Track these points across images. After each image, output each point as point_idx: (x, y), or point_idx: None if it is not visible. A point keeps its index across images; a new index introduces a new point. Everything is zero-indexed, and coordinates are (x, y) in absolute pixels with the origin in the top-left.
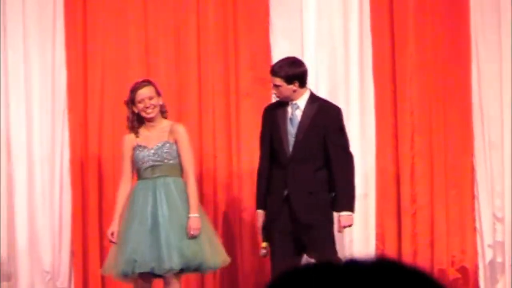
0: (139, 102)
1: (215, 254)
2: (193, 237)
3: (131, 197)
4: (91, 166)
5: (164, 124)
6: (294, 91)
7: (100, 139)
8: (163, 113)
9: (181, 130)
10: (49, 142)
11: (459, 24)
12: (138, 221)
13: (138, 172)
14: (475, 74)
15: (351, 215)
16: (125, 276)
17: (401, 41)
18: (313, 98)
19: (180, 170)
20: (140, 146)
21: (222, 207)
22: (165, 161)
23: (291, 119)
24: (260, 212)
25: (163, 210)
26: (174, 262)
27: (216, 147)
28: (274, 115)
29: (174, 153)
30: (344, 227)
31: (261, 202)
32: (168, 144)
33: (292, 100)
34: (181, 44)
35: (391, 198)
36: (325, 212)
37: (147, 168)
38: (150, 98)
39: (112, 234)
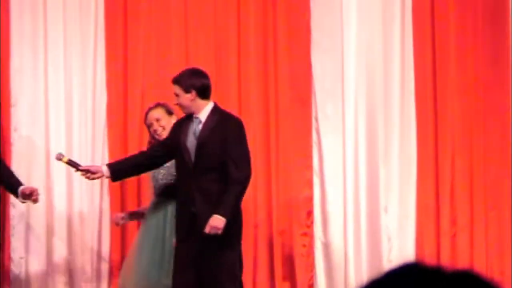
0: (149, 126)
1: None
2: None
3: (147, 215)
4: (130, 183)
5: None
6: (192, 100)
7: None
8: None
9: None
10: (88, 158)
11: (500, 45)
12: (144, 236)
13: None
14: None
15: (222, 220)
16: None
17: (443, 62)
18: (215, 110)
19: None
20: None
21: (262, 232)
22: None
23: (194, 133)
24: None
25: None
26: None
27: (257, 167)
28: (179, 128)
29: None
30: (212, 227)
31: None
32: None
33: (193, 112)
34: (221, 63)
35: (431, 219)
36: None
37: (160, 186)
38: (157, 120)
39: None
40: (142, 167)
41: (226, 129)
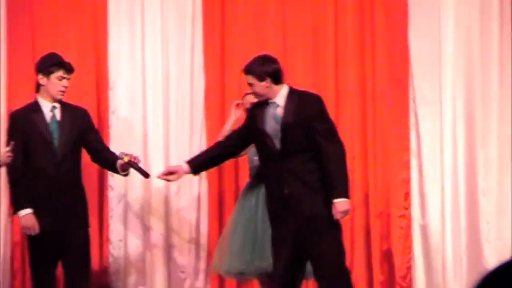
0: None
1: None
2: None
3: (241, 196)
4: (227, 169)
5: None
6: (267, 87)
7: None
8: None
9: None
10: (186, 141)
11: None
12: (241, 221)
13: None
14: None
15: (346, 201)
16: (232, 275)
17: None
18: (292, 92)
19: None
20: (253, 146)
21: (358, 210)
22: None
23: (273, 117)
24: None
25: (261, 213)
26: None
27: (354, 148)
28: (254, 114)
29: None
30: (341, 212)
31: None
32: None
33: (269, 98)
34: (318, 45)
35: None
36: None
37: (253, 167)
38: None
39: None
40: (220, 157)
41: (309, 108)
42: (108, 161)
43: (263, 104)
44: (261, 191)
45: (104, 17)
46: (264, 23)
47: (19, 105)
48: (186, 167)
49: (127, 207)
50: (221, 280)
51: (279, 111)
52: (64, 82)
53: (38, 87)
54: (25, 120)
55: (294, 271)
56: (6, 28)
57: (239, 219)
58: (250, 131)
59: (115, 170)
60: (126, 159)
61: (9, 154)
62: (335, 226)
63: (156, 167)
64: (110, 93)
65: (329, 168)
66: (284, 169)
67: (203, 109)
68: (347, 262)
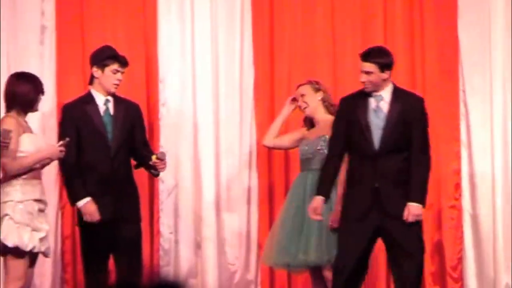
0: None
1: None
2: (332, 229)
3: (291, 188)
4: (276, 162)
5: (326, 118)
6: (384, 80)
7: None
8: (327, 107)
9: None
10: (236, 133)
11: None
12: (289, 214)
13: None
14: None
15: (420, 207)
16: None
17: None
18: (397, 90)
19: None
20: (304, 139)
21: None
22: (318, 154)
23: (375, 111)
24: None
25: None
26: (312, 257)
27: None
28: (352, 105)
29: (315, 147)
30: (413, 215)
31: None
32: (324, 138)
33: (377, 91)
34: (367, 37)
35: None
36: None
37: (302, 160)
38: (302, 96)
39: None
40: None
41: (413, 109)
42: (143, 159)
43: (359, 96)
44: (309, 184)
45: (153, 10)
46: (313, 15)
47: (69, 98)
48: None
49: (177, 200)
50: (271, 273)
51: (383, 105)
52: (118, 75)
53: (91, 79)
54: (79, 112)
55: (363, 265)
56: (56, 21)
57: (287, 212)
58: (348, 121)
59: (148, 168)
60: (154, 157)
61: (62, 149)
62: (418, 224)
63: (206, 159)
64: (160, 85)
65: (414, 173)
66: (377, 166)
67: (253, 101)
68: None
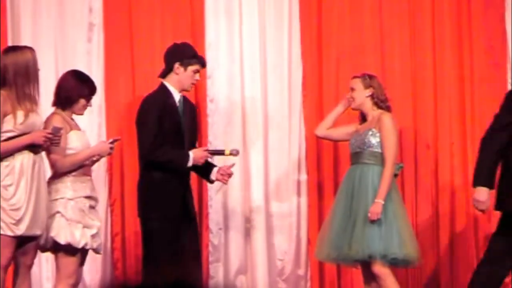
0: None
1: (403, 247)
2: (372, 221)
3: (342, 182)
4: (326, 157)
5: (374, 113)
6: None
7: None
8: (377, 103)
9: (386, 120)
10: (285, 129)
11: None
12: (339, 207)
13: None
14: None
15: None
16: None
17: None
18: None
19: (381, 158)
20: (354, 131)
21: (458, 194)
22: (366, 148)
23: None
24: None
25: (357, 199)
26: (353, 251)
27: (452, 134)
28: None
29: (375, 141)
30: None
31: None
32: (371, 132)
33: None
34: (416, 30)
35: None
36: None
37: (352, 154)
38: (352, 90)
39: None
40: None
41: None
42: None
43: None
44: (358, 177)
45: (201, 6)
46: (361, 9)
47: (117, 96)
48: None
49: (226, 195)
50: (321, 268)
51: None
52: (197, 76)
53: (166, 73)
54: (162, 106)
55: None
56: (104, 18)
57: (338, 206)
58: None
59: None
60: (227, 152)
61: (112, 145)
62: None
63: (255, 155)
64: (208, 82)
65: None
66: None
67: (301, 97)
68: (447, 247)
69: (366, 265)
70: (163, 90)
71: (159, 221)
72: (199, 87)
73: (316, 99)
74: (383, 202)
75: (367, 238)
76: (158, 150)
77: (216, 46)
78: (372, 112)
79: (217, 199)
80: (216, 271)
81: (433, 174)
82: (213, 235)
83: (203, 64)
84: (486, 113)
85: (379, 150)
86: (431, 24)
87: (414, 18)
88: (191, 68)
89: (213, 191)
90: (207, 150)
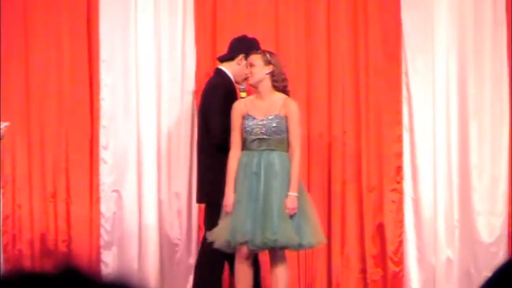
0: (247, 67)
1: (310, 234)
2: (290, 216)
3: (238, 168)
4: None
5: (276, 97)
6: None
7: None
8: (275, 86)
9: (294, 107)
10: (180, 121)
11: None
12: (241, 193)
13: (245, 141)
14: None
15: None
16: (227, 246)
17: None
18: None
19: (286, 145)
20: (249, 115)
21: (349, 184)
22: (273, 135)
23: None
24: None
25: (264, 185)
26: (267, 238)
27: (345, 122)
28: None
29: (282, 128)
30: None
31: None
32: (277, 119)
33: None
34: (311, 19)
35: None
36: None
37: (254, 140)
38: (252, 65)
39: (228, 205)
40: None
41: None
42: None
43: None
44: (264, 165)
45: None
46: None
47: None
48: None
49: (120, 180)
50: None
51: None
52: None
53: (226, 60)
54: (228, 91)
55: None
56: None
57: (241, 193)
58: None
59: None
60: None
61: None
62: None
63: (147, 149)
64: (103, 65)
65: None
66: None
67: (194, 83)
68: (338, 234)
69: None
70: (223, 76)
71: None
72: (95, 72)
73: None
74: (297, 195)
75: (283, 228)
76: (228, 135)
77: (110, 32)
78: (272, 94)
79: (109, 182)
80: (108, 257)
81: (325, 162)
82: (105, 219)
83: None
84: (380, 103)
85: (285, 137)
86: (327, 12)
87: (309, 7)
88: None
89: (105, 174)
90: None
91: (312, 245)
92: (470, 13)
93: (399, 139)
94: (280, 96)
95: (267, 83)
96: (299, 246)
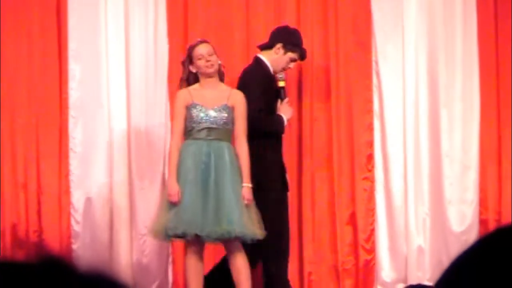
0: (199, 58)
1: (254, 225)
2: (246, 206)
3: (182, 157)
4: None
5: (223, 88)
6: None
7: None
8: (221, 76)
9: (241, 97)
10: (150, 117)
11: None
12: (190, 182)
13: (191, 130)
14: None
15: None
16: (173, 236)
17: (506, 1)
18: None
19: (231, 136)
20: (196, 104)
21: (319, 172)
22: (223, 125)
23: None
24: None
25: (214, 175)
26: (223, 229)
27: (316, 111)
28: None
29: (230, 118)
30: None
31: None
32: (227, 109)
33: None
34: (281, 8)
35: (493, 164)
36: None
37: (202, 129)
38: (210, 54)
39: (173, 195)
40: None
41: None
42: None
43: None
44: (214, 155)
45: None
46: None
47: None
48: None
49: (88, 169)
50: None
51: None
52: (292, 65)
53: (266, 48)
54: (264, 79)
55: None
56: None
57: (189, 184)
58: None
59: None
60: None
61: None
62: None
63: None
64: (71, 53)
65: None
66: None
67: (167, 73)
68: (310, 222)
69: (228, 241)
70: (261, 64)
71: (276, 192)
72: (64, 62)
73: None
74: (251, 185)
75: (240, 218)
76: (262, 121)
77: (80, 22)
78: (219, 84)
79: (79, 172)
80: (79, 247)
81: (296, 151)
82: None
83: (302, 57)
84: (351, 90)
85: (231, 128)
86: (297, 1)
87: None
88: (290, 54)
89: (74, 164)
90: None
91: (259, 237)
92: (439, 1)
93: (370, 128)
94: (225, 87)
95: (216, 73)
96: (253, 237)
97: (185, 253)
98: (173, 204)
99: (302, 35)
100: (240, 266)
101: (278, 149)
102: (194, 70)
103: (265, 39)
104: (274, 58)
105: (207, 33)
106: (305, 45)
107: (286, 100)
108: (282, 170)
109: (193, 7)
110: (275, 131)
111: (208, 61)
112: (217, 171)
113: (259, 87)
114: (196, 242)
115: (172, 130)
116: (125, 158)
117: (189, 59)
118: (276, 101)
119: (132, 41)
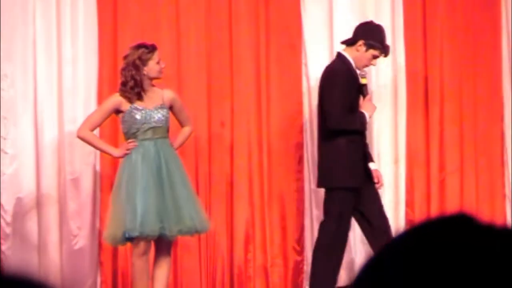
0: (157, 63)
1: (204, 219)
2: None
3: (132, 159)
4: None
5: (154, 89)
6: None
7: None
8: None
9: (172, 94)
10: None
11: None
12: (144, 184)
13: (136, 132)
14: (505, 40)
15: None
16: (132, 238)
17: (432, 5)
18: None
19: (167, 132)
20: (137, 107)
21: (253, 172)
22: (165, 123)
23: None
24: None
25: (167, 174)
26: (184, 225)
27: (248, 113)
28: None
29: (168, 117)
30: None
31: None
32: (165, 108)
33: None
34: (212, 8)
35: (421, 164)
36: None
37: (148, 129)
38: (161, 60)
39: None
40: None
41: None
42: None
43: None
44: (163, 153)
45: None
46: None
47: None
48: None
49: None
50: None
51: None
52: (375, 62)
53: (349, 44)
54: (347, 76)
55: None
56: None
57: (142, 183)
58: None
59: None
60: (364, 81)
61: None
62: None
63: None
64: (2, 55)
65: None
66: None
67: (97, 76)
68: (243, 222)
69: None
70: (344, 61)
71: (345, 191)
72: None
73: (113, 81)
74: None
75: (198, 213)
76: (344, 119)
77: (10, 23)
78: (151, 87)
79: (10, 173)
80: (8, 249)
81: (227, 153)
82: (5, 211)
83: (385, 54)
84: (281, 92)
85: (169, 125)
86: (228, 3)
87: (210, 1)
88: (372, 51)
89: (5, 165)
90: (364, 94)
91: (204, 230)
92: (370, 3)
93: (300, 130)
94: (156, 88)
95: None
96: (207, 230)
97: (132, 255)
98: (128, 206)
99: (234, 36)
100: (166, 267)
101: (360, 146)
102: (145, 72)
103: (195, 42)
104: (356, 55)
105: (137, 33)
106: (236, 48)
107: (368, 97)
108: (364, 164)
109: (123, 5)
110: (358, 129)
111: (162, 67)
112: (168, 169)
113: (344, 85)
114: (144, 243)
115: (87, 119)
116: (55, 159)
117: (142, 61)
118: (358, 98)
119: (64, 41)
